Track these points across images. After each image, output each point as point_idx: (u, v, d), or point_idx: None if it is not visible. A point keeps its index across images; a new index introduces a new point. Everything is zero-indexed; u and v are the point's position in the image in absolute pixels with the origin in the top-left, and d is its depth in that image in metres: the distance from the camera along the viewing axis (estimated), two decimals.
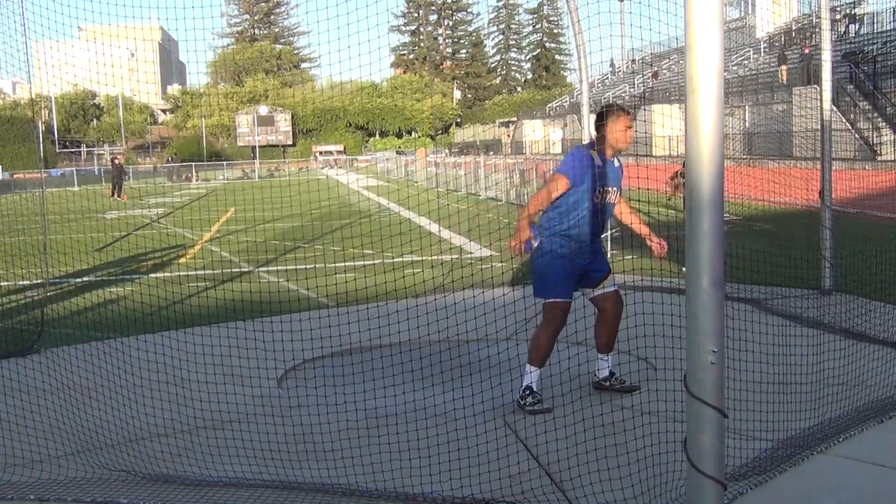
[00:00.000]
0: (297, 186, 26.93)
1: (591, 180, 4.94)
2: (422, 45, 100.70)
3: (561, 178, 4.97)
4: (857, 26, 39.32)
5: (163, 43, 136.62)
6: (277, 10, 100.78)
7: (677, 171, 10.54)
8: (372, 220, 17.98)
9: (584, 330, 5.38)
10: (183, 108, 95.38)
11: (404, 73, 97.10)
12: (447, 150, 67.52)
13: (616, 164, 5.14)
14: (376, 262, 11.40)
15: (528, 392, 5.02)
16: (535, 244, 5.01)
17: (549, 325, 5.03)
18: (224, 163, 64.83)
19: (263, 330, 6.04)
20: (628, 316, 4.94)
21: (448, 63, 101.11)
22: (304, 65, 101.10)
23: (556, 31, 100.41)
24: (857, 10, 39.80)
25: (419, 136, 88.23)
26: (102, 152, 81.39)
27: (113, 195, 31.57)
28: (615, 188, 5.06)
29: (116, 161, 34.59)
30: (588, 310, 5.36)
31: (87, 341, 6.92)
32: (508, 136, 74.58)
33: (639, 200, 16.08)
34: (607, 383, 5.35)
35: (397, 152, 56.39)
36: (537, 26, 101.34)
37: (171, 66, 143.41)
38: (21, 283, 10.41)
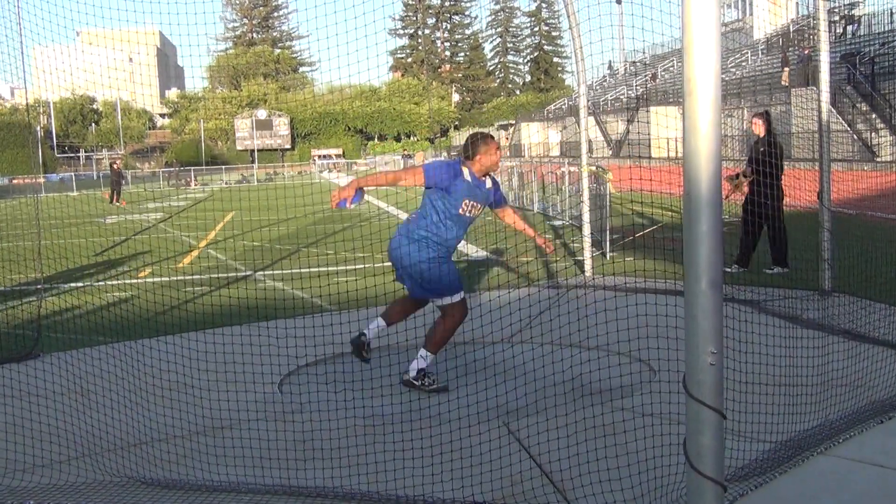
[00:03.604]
0: (295, 189, 26.92)
1: (458, 191, 5.36)
2: (420, 48, 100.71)
3: (419, 174, 5.36)
4: (854, 27, 39.42)
5: (161, 47, 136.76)
6: (275, 15, 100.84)
7: (739, 173, 9.82)
8: (371, 223, 17.98)
9: (580, 332, 5.39)
10: (181, 113, 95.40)
11: (403, 76, 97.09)
12: (446, 154, 67.50)
13: (488, 184, 5.61)
14: (376, 264, 11.40)
15: (422, 374, 5.40)
16: (351, 206, 5.30)
17: (458, 319, 5.43)
18: (223, 167, 64.81)
19: (261, 334, 6.03)
20: (628, 317, 4.95)
21: (446, 66, 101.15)
22: (302, 69, 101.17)
23: (553, 33, 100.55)
24: (854, 11, 39.89)
25: (418, 140, 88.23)
26: (101, 157, 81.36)
27: (112, 200, 31.60)
28: (482, 205, 5.56)
29: (115, 166, 34.60)
30: (583, 311, 5.36)
31: (86, 346, 6.92)
32: (507, 138, 74.65)
33: (637, 202, 16.11)
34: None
35: (403, 156, 56.35)
36: (535, 29, 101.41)
37: (169, 71, 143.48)
38: (19, 288, 10.40)
